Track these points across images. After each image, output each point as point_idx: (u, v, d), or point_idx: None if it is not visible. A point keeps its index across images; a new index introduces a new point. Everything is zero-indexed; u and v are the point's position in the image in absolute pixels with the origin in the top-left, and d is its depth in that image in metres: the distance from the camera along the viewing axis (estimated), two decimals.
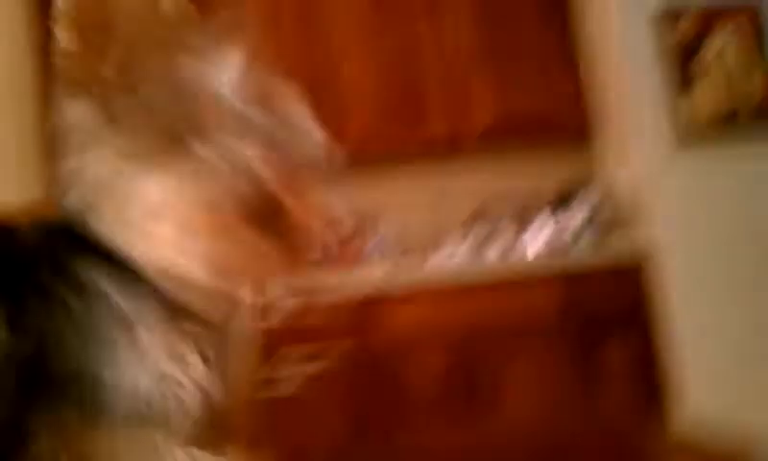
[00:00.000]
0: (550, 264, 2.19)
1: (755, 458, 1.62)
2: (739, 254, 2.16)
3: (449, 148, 2.41)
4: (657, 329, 2.12)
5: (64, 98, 0.57)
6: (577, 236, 2.30)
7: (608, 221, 2.31)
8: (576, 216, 2.34)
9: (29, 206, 0.62)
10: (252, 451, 0.89)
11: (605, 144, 2.36)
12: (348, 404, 2.05)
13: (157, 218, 0.55)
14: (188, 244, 0.54)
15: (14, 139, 1.63)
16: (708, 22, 2.25)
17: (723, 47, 2.26)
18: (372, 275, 2.19)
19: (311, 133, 0.66)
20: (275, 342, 1.85)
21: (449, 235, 2.45)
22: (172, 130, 0.56)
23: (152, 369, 0.56)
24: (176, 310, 0.58)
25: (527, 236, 2.33)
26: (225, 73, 0.59)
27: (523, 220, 2.40)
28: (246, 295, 0.64)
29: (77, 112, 0.57)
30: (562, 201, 2.41)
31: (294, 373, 2.01)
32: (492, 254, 2.30)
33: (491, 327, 2.10)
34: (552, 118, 2.36)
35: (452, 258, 2.33)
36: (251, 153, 0.56)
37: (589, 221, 2.32)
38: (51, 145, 0.59)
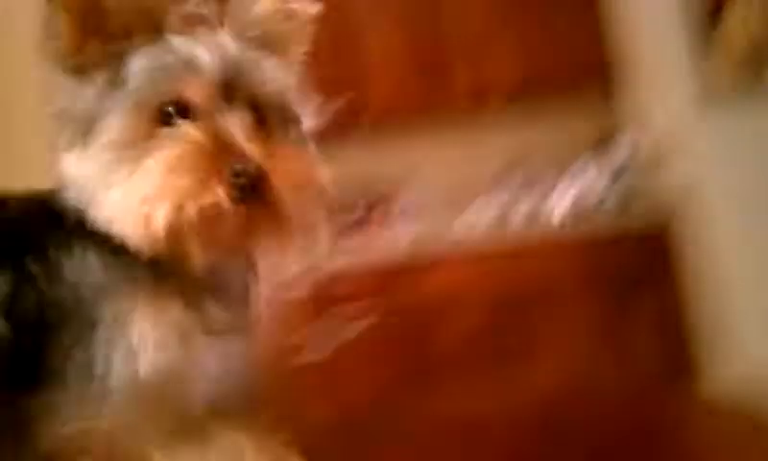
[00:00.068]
0: (578, 223, 2.17)
1: None
2: None
3: (476, 106, 2.38)
4: (687, 287, 2.09)
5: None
6: (605, 194, 2.25)
7: (636, 176, 2.26)
8: (604, 173, 2.29)
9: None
10: (283, 421, 0.90)
11: (631, 98, 2.30)
12: (380, 369, 2.05)
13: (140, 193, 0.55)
14: (171, 216, 0.54)
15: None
16: None
17: None
18: (402, 238, 2.19)
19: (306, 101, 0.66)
20: (304, 308, 1.86)
21: (478, 195, 2.43)
22: (159, 107, 0.57)
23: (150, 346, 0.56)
24: (169, 283, 0.58)
25: (555, 194, 2.30)
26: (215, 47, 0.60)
27: (551, 178, 2.37)
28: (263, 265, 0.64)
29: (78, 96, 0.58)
30: (589, 157, 2.36)
31: (325, 338, 2.02)
32: (521, 213, 2.28)
33: (521, 289, 2.09)
34: (578, 73, 2.32)
35: (481, 219, 2.31)
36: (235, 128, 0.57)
37: (617, 177, 2.27)
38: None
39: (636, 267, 2.10)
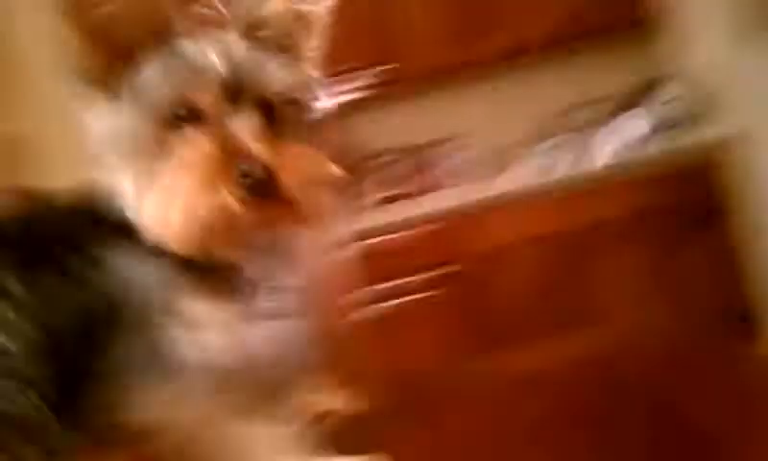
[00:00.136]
0: (626, 167, 2.11)
1: None
2: None
3: (515, 58, 2.35)
4: (741, 226, 2.02)
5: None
6: (651, 136, 2.18)
7: (683, 119, 2.19)
8: (651, 117, 2.22)
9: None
10: (346, 383, 0.94)
11: (676, 41, 2.23)
12: (442, 327, 2.08)
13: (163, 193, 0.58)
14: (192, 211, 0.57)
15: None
16: None
17: None
18: (452, 196, 2.21)
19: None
20: (362, 269, 1.91)
21: (525, 147, 2.41)
22: (172, 113, 0.60)
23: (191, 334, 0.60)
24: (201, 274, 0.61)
25: (602, 142, 2.25)
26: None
27: (598, 125, 2.32)
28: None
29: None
30: (635, 102, 2.29)
31: (384, 299, 2.06)
32: (569, 162, 2.24)
33: (574, 238, 2.07)
34: (621, 19, 2.25)
35: (529, 171, 2.29)
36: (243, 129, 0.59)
37: (664, 120, 2.20)
38: None
39: (690, 204, 2.04)
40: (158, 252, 0.60)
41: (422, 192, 2.35)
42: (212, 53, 0.60)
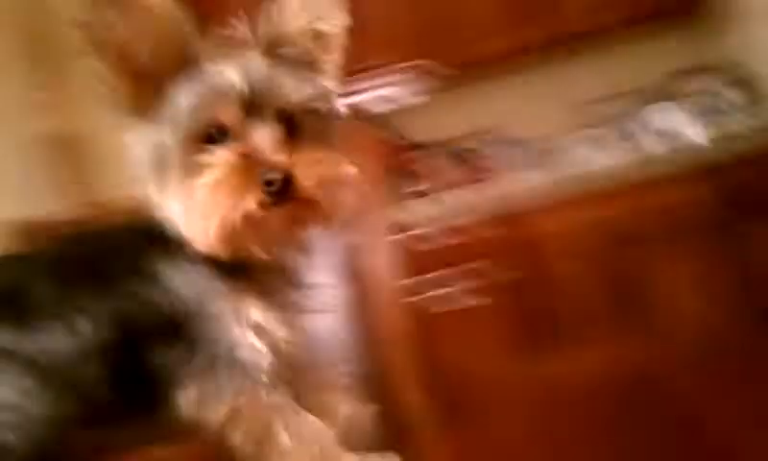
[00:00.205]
0: (686, 155, 2.05)
1: None
2: None
3: (557, 47, 2.34)
4: None
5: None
6: (710, 122, 2.12)
7: (740, 101, 2.14)
8: (697, 103, 2.17)
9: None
10: (403, 387, 0.97)
11: (721, 23, 2.20)
12: (496, 326, 2.05)
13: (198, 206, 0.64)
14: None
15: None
16: None
17: None
18: (513, 188, 2.19)
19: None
20: (416, 267, 1.93)
21: (578, 137, 2.38)
22: (201, 132, 0.65)
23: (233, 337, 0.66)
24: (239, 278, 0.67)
25: (649, 130, 2.20)
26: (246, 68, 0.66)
27: (652, 112, 2.27)
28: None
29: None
30: (681, 88, 2.26)
31: (439, 296, 2.06)
32: (625, 151, 2.20)
33: (644, 230, 2.01)
34: (663, 2, 2.22)
35: (584, 161, 2.25)
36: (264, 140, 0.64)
37: (712, 107, 2.15)
38: None
39: (759, 192, 1.95)
40: (200, 260, 0.66)
41: (466, 186, 2.34)
42: (234, 72, 0.65)
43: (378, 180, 1.08)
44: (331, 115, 0.70)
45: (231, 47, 0.68)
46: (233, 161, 0.63)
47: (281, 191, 0.61)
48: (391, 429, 0.96)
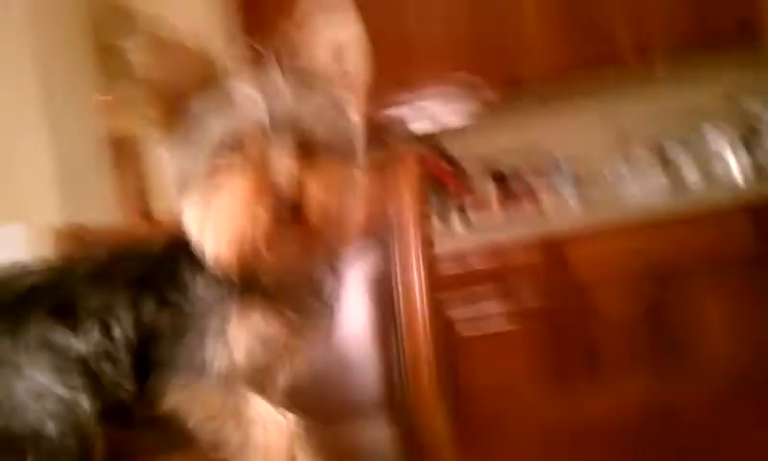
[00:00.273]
0: (741, 189, 2.02)
1: None
2: None
3: (621, 73, 2.32)
4: None
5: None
6: (755, 155, 2.07)
7: None
8: (753, 135, 2.12)
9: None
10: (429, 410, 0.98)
11: None
12: (527, 353, 2.04)
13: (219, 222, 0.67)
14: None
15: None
16: None
17: None
18: (552, 213, 2.16)
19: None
20: (448, 288, 1.92)
21: (621, 165, 2.33)
22: (223, 149, 0.68)
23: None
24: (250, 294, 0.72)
25: (702, 160, 2.13)
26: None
27: (699, 142, 2.20)
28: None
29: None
30: (750, 119, 2.19)
31: (477, 316, 2.06)
32: (666, 181, 2.14)
33: (681, 263, 1.98)
34: (721, 31, 2.19)
35: (634, 191, 2.20)
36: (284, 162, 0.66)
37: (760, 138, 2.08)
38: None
39: None
40: (220, 274, 0.70)
41: (506, 207, 2.32)
42: (256, 94, 0.68)
43: (414, 196, 1.09)
44: (351, 136, 0.73)
45: (255, 69, 0.71)
46: (249, 181, 0.66)
47: (294, 212, 0.64)
48: (414, 452, 0.96)
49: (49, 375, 0.68)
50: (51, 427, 0.67)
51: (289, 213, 0.64)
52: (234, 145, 0.67)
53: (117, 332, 0.71)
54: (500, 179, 2.48)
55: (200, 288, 0.72)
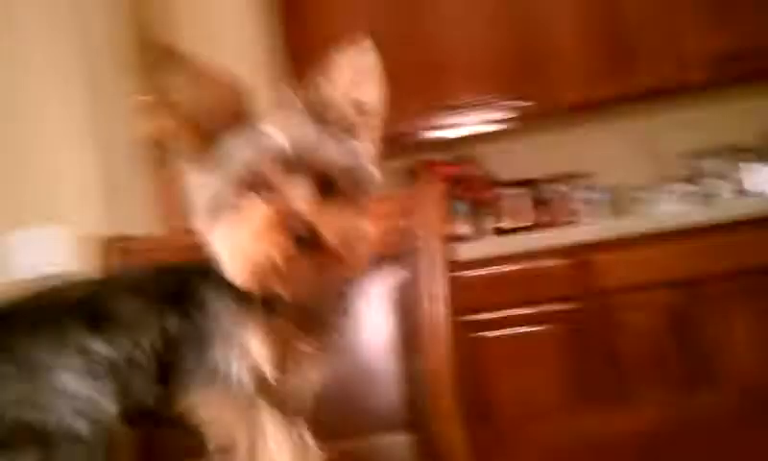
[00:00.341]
0: (754, 216, 1.98)
1: None
2: None
3: (658, 96, 2.31)
4: None
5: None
6: None
7: None
8: None
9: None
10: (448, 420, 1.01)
11: None
12: (552, 369, 2.05)
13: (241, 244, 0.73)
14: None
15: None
16: None
17: None
18: (585, 232, 2.16)
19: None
20: (473, 304, 1.93)
21: (661, 190, 2.32)
22: (244, 181, 0.73)
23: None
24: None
25: (743, 190, 2.11)
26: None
27: (740, 172, 2.17)
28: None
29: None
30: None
31: (504, 321, 2.08)
32: (705, 208, 2.13)
33: (708, 276, 1.97)
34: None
35: (664, 215, 2.19)
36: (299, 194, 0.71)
37: None
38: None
39: None
40: (241, 295, 0.76)
41: (542, 227, 2.33)
42: (278, 132, 0.74)
43: (439, 212, 1.11)
44: (365, 177, 0.78)
45: (280, 109, 0.76)
46: (268, 212, 0.71)
47: (307, 243, 0.70)
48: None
49: (82, 378, 0.74)
50: (81, 425, 0.73)
51: (307, 241, 0.69)
52: (258, 177, 0.72)
53: (145, 342, 0.77)
54: (540, 198, 2.49)
55: (222, 305, 0.78)
